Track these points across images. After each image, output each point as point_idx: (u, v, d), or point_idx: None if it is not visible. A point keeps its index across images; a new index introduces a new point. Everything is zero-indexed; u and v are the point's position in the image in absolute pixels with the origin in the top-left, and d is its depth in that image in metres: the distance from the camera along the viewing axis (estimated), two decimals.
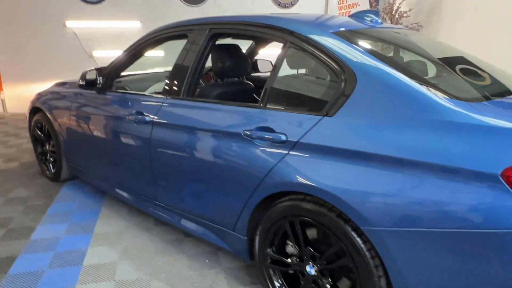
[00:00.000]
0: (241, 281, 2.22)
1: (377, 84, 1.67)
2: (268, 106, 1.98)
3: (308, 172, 1.72)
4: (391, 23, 5.84)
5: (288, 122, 1.84)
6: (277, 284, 1.96)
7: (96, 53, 6.99)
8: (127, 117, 2.59)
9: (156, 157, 2.42)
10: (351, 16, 2.46)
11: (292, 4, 7.67)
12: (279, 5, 7.62)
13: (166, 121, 2.37)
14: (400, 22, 5.84)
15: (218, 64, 2.51)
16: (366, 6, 6.48)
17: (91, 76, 2.84)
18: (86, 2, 6.82)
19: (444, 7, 5.25)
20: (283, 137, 1.81)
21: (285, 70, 2.13)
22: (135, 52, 2.84)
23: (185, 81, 2.37)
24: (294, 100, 2.02)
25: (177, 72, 2.46)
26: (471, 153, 1.39)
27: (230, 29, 2.37)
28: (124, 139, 2.65)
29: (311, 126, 1.76)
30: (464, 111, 1.48)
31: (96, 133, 2.91)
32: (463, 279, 1.41)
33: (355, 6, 6.76)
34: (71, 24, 6.78)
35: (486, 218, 1.33)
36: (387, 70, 1.68)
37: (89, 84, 2.87)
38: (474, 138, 1.41)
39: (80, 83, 2.94)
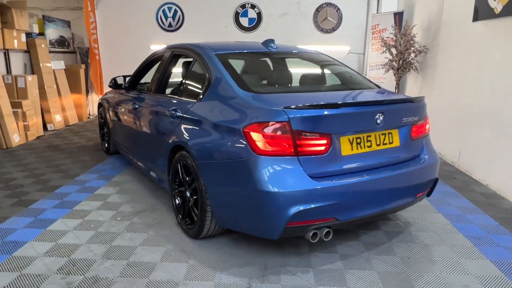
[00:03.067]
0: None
1: (220, 81, 2.86)
2: (177, 96, 3.31)
3: (184, 133, 2.98)
4: (405, 43, 6.53)
5: (182, 104, 3.14)
6: (177, 201, 3.21)
7: None
8: (131, 106, 4.13)
9: (135, 130, 3.91)
10: (264, 42, 3.60)
11: (333, 30, 8.68)
12: (321, 30, 8.70)
13: (142, 107, 3.85)
14: (412, 43, 6.51)
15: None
16: (391, 30, 7.19)
17: (118, 80, 4.46)
18: (165, 31, 8.85)
19: (442, 34, 5.83)
20: (178, 113, 3.11)
21: (192, 74, 3.41)
22: (144, 66, 4.39)
23: (157, 83, 3.80)
24: (188, 92, 3.30)
25: (154, 77, 3.91)
26: (236, 118, 2.51)
27: (178, 50, 3.74)
28: (129, 120, 4.20)
29: (190, 107, 3.02)
30: (244, 97, 2.60)
31: (121, 117, 4.51)
32: (231, 183, 2.52)
33: (384, 31, 7.51)
34: (153, 47, 8.84)
35: (237, 153, 2.44)
36: (224, 74, 2.86)
37: (115, 86, 4.49)
38: (240, 110, 2.53)
39: (109, 84, 4.59)
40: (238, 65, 3.75)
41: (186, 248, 2.90)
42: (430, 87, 6.21)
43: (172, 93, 3.65)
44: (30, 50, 6.97)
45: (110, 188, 4.13)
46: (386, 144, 2.71)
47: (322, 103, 2.44)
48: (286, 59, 3.74)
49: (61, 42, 8.30)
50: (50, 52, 7.56)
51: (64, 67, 7.83)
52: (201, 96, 3.00)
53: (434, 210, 3.65)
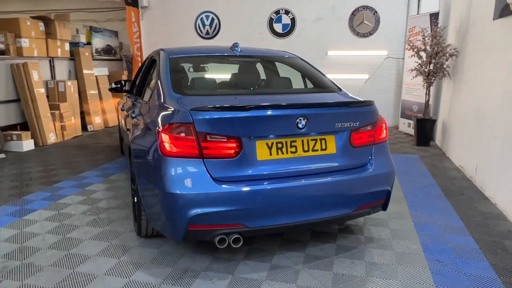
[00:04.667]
0: None
1: (161, 84, 2.91)
2: (141, 99, 3.42)
3: (131, 133, 3.09)
4: (435, 46, 6.03)
5: (138, 107, 3.25)
6: (135, 200, 3.31)
7: None
8: (122, 108, 4.37)
9: (124, 131, 4.13)
10: (232, 45, 3.58)
11: (370, 34, 8.28)
12: (357, 35, 8.35)
13: (126, 109, 4.05)
14: (443, 46, 5.99)
15: None
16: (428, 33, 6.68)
17: (115, 84, 4.74)
18: (203, 38, 9.18)
19: (469, 35, 5.26)
20: (133, 115, 3.24)
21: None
22: (138, 70, 4.62)
23: (137, 86, 3.98)
24: (145, 95, 3.39)
25: (137, 81, 4.09)
26: (158, 119, 2.53)
27: (153, 54, 3.87)
28: (122, 122, 4.44)
29: (139, 108, 3.13)
30: (171, 99, 2.62)
31: (124, 117, 4.79)
32: (149, 183, 2.54)
33: (420, 34, 6.99)
34: None
35: (153, 153, 2.47)
36: (166, 77, 2.91)
37: (114, 90, 4.79)
38: (163, 112, 2.55)
39: (108, 87, 4.89)
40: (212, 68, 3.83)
41: (128, 244, 2.99)
42: (458, 94, 5.64)
43: (142, 96, 3.81)
44: (74, 58, 7.70)
45: (102, 185, 4.40)
46: (317, 150, 2.54)
47: (228, 105, 2.38)
48: (248, 62, 3.68)
49: (107, 50, 9.03)
50: (95, 59, 8.28)
51: (108, 74, 8.51)
52: (148, 98, 3.08)
53: (411, 228, 3.31)
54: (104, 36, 8.96)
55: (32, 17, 6.80)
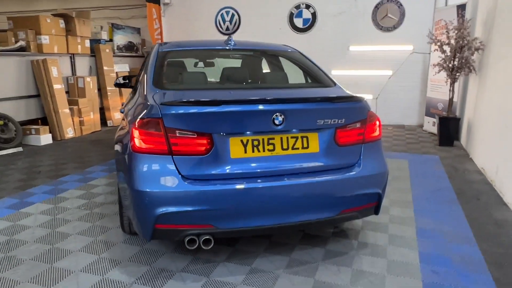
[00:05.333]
0: None
1: (145, 77, 2.84)
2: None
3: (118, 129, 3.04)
4: (460, 40, 5.65)
5: (128, 101, 3.19)
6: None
7: None
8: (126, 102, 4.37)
9: None
10: (226, 40, 3.45)
11: (394, 27, 7.89)
12: (381, 29, 7.99)
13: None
14: (468, 39, 5.60)
15: None
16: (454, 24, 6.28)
17: (122, 80, 4.74)
18: (223, 34, 9.12)
19: (495, 27, 4.86)
20: (122, 111, 3.18)
21: None
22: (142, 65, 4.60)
23: (135, 81, 3.95)
24: (135, 90, 3.30)
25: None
26: (134, 114, 2.45)
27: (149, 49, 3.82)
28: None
29: (127, 103, 3.07)
30: (149, 94, 2.53)
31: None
32: (123, 179, 2.45)
33: (445, 27, 6.58)
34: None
35: (126, 149, 2.39)
36: (151, 71, 2.83)
37: (119, 85, 4.78)
38: (140, 107, 2.47)
39: (114, 83, 4.89)
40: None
41: (112, 241, 2.95)
42: (482, 90, 5.24)
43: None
44: (95, 54, 7.85)
45: (104, 180, 4.42)
46: (297, 149, 2.38)
47: (200, 99, 2.26)
48: (241, 56, 3.54)
49: (129, 47, 9.16)
50: (116, 56, 8.41)
51: (128, 70, 8.62)
52: (134, 93, 3.02)
53: (412, 235, 3.07)
54: (126, 33, 9.09)
55: (53, 15, 6.98)
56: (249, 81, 3.26)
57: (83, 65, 7.67)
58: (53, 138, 6.58)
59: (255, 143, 2.30)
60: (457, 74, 5.88)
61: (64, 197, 3.88)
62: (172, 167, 2.20)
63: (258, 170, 2.30)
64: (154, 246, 2.85)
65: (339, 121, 2.41)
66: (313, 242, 2.91)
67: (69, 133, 6.79)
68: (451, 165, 5.10)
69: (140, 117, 2.29)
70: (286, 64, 3.49)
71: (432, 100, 7.26)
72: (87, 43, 7.53)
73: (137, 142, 2.25)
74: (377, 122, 2.62)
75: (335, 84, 2.99)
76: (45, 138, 6.35)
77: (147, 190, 2.16)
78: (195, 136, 2.21)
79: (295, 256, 2.72)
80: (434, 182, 4.36)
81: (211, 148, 2.23)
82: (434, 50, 6.23)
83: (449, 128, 6.09)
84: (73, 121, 6.89)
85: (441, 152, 5.78)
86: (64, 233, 3.09)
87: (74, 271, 2.53)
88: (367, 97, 8.32)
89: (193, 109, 2.19)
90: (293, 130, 2.35)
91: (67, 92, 7.17)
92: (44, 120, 6.70)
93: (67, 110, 6.77)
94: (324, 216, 2.42)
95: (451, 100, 6.09)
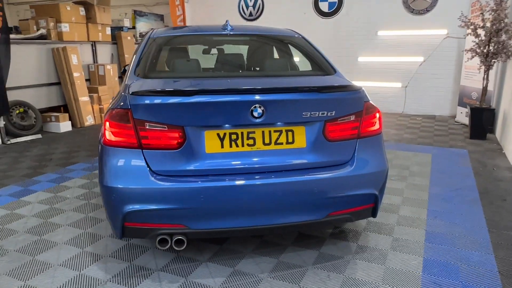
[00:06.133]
0: None
1: (132, 62, 2.69)
2: None
3: None
4: (496, 22, 5.13)
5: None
6: None
7: None
8: None
9: None
10: (223, 24, 3.24)
11: (427, 10, 7.33)
12: (412, 12, 7.45)
13: None
14: (506, 21, 5.07)
15: None
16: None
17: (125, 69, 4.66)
18: (246, 20, 8.87)
19: None
20: None
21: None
22: None
23: None
24: None
25: None
26: (112, 103, 2.32)
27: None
28: None
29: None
30: (127, 82, 2.38)
31: None
32: (98, 168, 2.31)
33: (481, 9, 6.01)
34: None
35: (101, 140, 2.28)
36: (135, 58, 2.68)
37: (123, 72, 4.70)
38: (117, 96, 2.33)
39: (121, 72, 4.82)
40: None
41: (100, 234, 2.87)
42: None
43: None
44: (117, 42, 7.87)
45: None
46: (281, 144, 2.16)
47: (170, 89, 2.08)
48: (238, 41, 3.32)
49: None
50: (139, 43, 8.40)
51: None
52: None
53: (419, 239, 2.78)
54: (149, 20, 9.06)
55: (73, 2, 7.02)
56: (246, 69, 3.05)
57: (105, 52, 7.71)
58: (73, 125, 6.68)
59: (233, 137, 2.11)
60: (493, 60, 5.35)
61: (66, 186, 3.87)
62: (142, 162, 2.06)
63: (236, 167, 2.11)
64: (140, 241, 2.75)
65: (329, 113, 2.16)
66: (307, 244, 2.70)
67: (89, 120, 6.86)
68: (479, 160, 4.67)
69: (111, 107, 2.15)
70: (287, 50, 3.23)
71: (466, 88, 6.71)
72: (108, 30, 7.55)
73: (107, 134, 2.11)
74: (377, 115, 2.35)
75: (335, 71, 2.72)
76: (65, 126, 6.45)
77: (115, 186, 2.03)
78: (166, 129, 2.04)
79: (284, 258, 2.52)
80: (456, 180, 3.98)
81: (184, 142, 2.06)
82: (468, 34, 5.71)
83: (481, 120, 5.59)
84: (93, 108, 6.96)
85: (470, 146, 5.32)
86: (56, 224, 3.05)
87: (53, 265, 2.47)
88: (395, 85, 7.86)
89: (163, 100, 2.02)
90: (277, 123, 2.13)
91: (88, 80, 7.24)
92: (66, 108, 6.81)
93: (87, 98, 6.83)
94: (310, 218, 2.20)
95: (484, 89, 5.58)
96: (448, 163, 4.56)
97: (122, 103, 2.09)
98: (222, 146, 2.10)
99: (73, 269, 2.43)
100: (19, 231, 2.93)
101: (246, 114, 2.04)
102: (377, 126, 2.34)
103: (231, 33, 3.06)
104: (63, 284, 2.27)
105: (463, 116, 6.75)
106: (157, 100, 2.02)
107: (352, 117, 2.23)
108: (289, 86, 2.25)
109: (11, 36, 6.03)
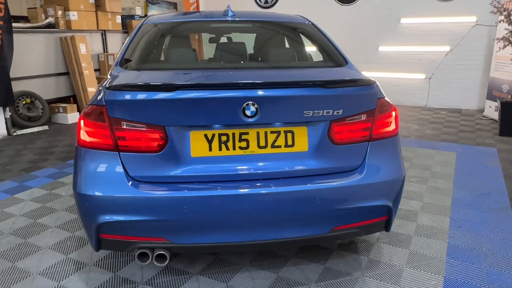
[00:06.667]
0: None
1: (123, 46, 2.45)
2: None
3: None
4: None
5: None
6: None
7: None
8: None
9: None
10: (224, 10, 2.93)
11: None
12: None
13: None
14: None
15: None
16: None
17: None
18: (262, 7, 8.51)
19: None
20: None
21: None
22: None
23: None
24: None
25: None
26: (95, 96, 2.05)
27: None
28: None
29: None
30: (111, 75, 2.13)
31: None
32: None
33: None
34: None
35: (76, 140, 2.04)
36: (125, 46, 2.42)
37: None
38: (97, 91, 2.07)
39: None
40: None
41: (87, 239, 2.66)
42: None
43: None
44: (128, 31, 7.66)
45: None
46: (279, 147, 1.87)
47: (149, 83, 1.81)
48: (239, 28, 3.02)
49: None
50: None
51: None
52: None
53: (440, 253, 2.46)
54: (162, 8, 8.81)
55: None
56: (248, 59, 2.75)
57: (115, 41, 7.52)
58: None
59: (223, 138, 1.83)
60: None
61: (63, 183, 3.69)
62: (118, 166, 1.81)
63: (227, 173, 1.84)
64: None
65: (335, 112, 1.85)
66: (312, 256, 2.41)
67: None
68: (510, 160, 4.25)
69: (89, 104, 1.90)
70: (295, 39, 2.91)
71: (496, 81, 6.21)
72: (118, 19, 7.34)
73: (82, 134, 1.87)
74: (393, 113, 2.02)
75: (346, 62, 2.39)
76: (73, 117, 6.30)
77: (88, 193, 1.79)
78: (145, 129, 1.78)
79: (285, 273, 2.25)
80: (484, 183, 3.60)
81: (165, 144, 1.79)
82: (500, 22, 5.22)
83: None
84: None
85: (500, 144, 4.88)
86: (44, 225, 2.86)
87: (32, 274, 2.27)
88: (418, 76, 7.40)
89: (141, 96, 1.75)
90: (275, 123, 1.84)
91: (97, 70, 7.07)
92: (75, 98, 6.67)
93: (95, 89, 6.66)
94: (312, 233, 1.91)
95: None
96: (475, 163, 4.16)
97: (98, 99, 1.83)
98: (210, 149, 1.83)
99: (53, 279, 2.22)
100: (5, 233, 2.75)
101: (237, 112, 1.76)
102: (392, 127, 2.02)
103: (232, 19, 2.76)
104: None
105: (492, 110, 6.26)
106: (135, 96, 1.75)
107: (363, 117, 1.92)
108: (288, 81, 1.94)
109: (19, 25, 5.89)
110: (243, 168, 1.84)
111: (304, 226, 1.89)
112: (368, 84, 1.93)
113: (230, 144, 1.83)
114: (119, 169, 1.80)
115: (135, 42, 2.48)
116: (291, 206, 1.84)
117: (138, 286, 2.15)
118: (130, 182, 1.79)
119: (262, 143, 1.85)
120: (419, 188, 3.49)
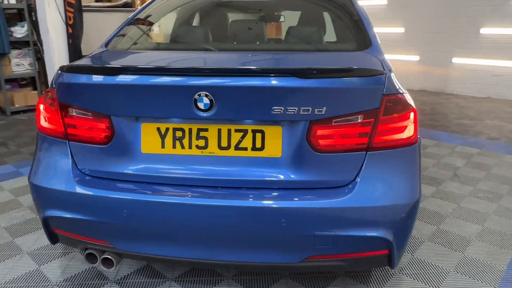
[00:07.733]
0: None
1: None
2: None
3: None
4: None
5: None
6: None
7: None
8: None
9: None
10: None
11: None
12: None
13: None
14: None
15: None
16: None
17: None
18: None
19: None
20: None
21: None
22: None
23: None
24: None
25: None
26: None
27: None
28: None
29: None
30: (95, 51, 1.95)
31: None
32: None
33: None
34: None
35: None
36: (125, 21, 2.25)
37: None
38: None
39: None
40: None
41: (69, 247, 2.51)
42: None
43: None
44: None
45: None
46: (245, 149, 1.51)
47: (94, 65, 1.56)
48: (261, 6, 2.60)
49: None
50: None
51: None
52: None
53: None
54: None
55: None
56: (264, 40, 2.37)
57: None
58: None
59: (178, 134, 1.53)
60: None
61: None
62: (67, 156, 1.63)
63: (179, 176, 1.54)
64: None
65: (316, 110, 1.41)
66: (308, 279, 2.01)
67: None
68: None
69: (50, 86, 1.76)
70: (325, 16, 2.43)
71: None
72: None
73: (40, 118, 1.73)
74: (411, 115, 1.50)
75: (371, 45, 1.88)
76: None
77: (36, 183, 1.66)
78: (91, 117, 1.56)
79: None
80: None
81: (112, 135, 1.56)
82: None
83: None
84: None
85: None
86: (32, 220, 2.62)
87: (22, 252, 2.26)
88: None
89: (87, 79, 1.52)
90: (241, 120, 1.48)
91: None
92: None
93: None
94: (277, 260, 1.52)
95: None
96: None
97: (53, 81, 1.66)
98: (163, 146, 1.54)
99: (36, 262, 2.18)
100: (23, 206, 2.83)
101: (189, 104, 1.43)
102: (408, 134, 1.50)
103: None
104: None
105: None
106: (78, 79, 1.53)
107: (359, 118, 1.44)
108: (248, 68, 1.54)
109: (95, 4, 6.19)
110: (199, 172, 1.53)
111: (270, 250, 1.51)
112: (369, 75, 1.44)
113: (186, 141, 1.52)
114: (67, 160, 1.62)
115: (134, 21, 2.29)
116: (254, 224, 1.47)
117: (107, 284, 2.00)
118: (77, 176, 1.60)
119: (224, 143, 1.50)
120: (485, 208, 2.77)
